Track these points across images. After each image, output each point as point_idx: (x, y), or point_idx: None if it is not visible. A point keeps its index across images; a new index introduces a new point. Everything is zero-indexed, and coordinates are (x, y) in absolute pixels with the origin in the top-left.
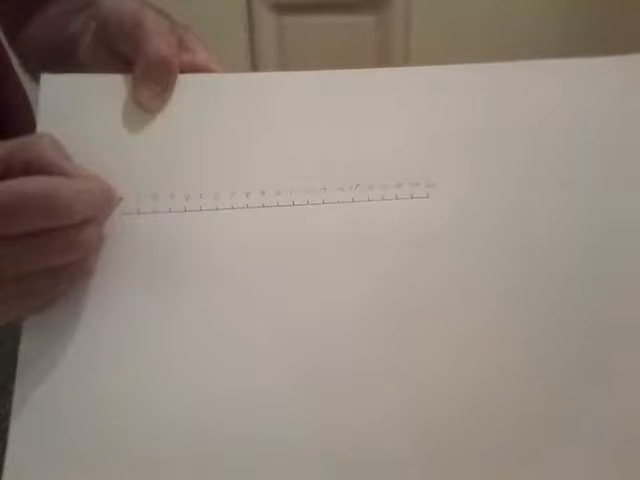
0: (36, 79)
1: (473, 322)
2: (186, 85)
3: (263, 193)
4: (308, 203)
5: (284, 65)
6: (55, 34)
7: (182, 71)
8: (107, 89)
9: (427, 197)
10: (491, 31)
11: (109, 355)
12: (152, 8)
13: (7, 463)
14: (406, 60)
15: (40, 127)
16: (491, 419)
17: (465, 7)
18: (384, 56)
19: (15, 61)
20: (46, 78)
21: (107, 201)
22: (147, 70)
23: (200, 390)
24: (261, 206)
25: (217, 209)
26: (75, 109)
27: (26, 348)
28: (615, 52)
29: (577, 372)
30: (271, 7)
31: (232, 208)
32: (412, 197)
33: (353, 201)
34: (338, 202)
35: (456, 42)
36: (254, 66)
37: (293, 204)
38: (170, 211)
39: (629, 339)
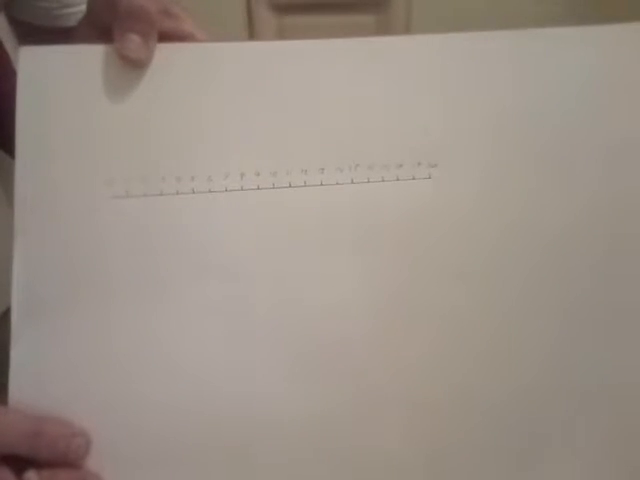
0: None
1: (474, 307)
2: (175, 56)
3: (258, 174)
4: (305, 185)
5: None
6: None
7: (167, 38)
8: (90, 60)
9: (429, 178)
10: (491, 31)
11: (100, 347)
12: None
13: None
14: None
15: (20, 101)
16: (491, 414)
17: (465, 7)
18: None
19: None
20: (25, 50)
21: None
22: (125, 22)
23: (196, 376)
24: (256, 188)
25: (210, 191)
26: (57, 82)
27: (17, 351)
28: None
29: (579, 367)
30: (271, 7)
31: (226, 190)
32: (414, 178)
33: (352, 182)
34: (337, 183)
35: None
36: None
37: (290, 186)
38: (161, 194)
39: (635, 333)
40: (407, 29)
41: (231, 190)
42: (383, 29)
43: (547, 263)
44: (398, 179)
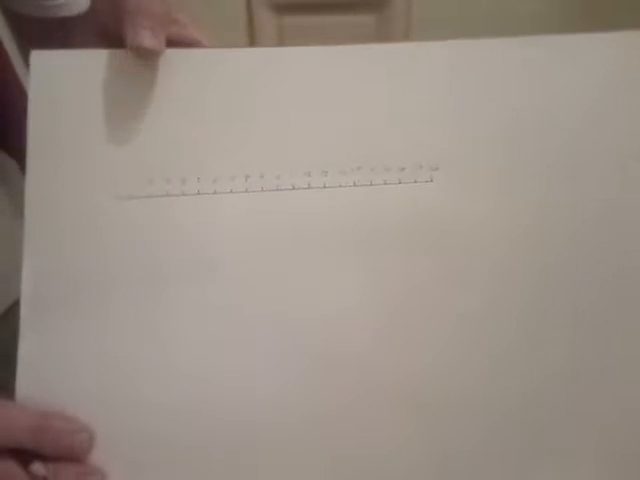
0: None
1: (478, 310)
2: (182, 61)
3: (262, 176)
4: (309, 187)
5: None
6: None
7: (171, 44)
8: (100, 65)
9: (431, 181)
10: (491, 31)
11: (104, 346)
12: None
13: None
14: None
15: (31, 105)
16: (497, 420)
17: (465, 7)
18: None
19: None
20: (36, 54)
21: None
22: (135, 18)
23: (198, 377)
24: (260, 190)
25: (215, 193)
26: (67, 86)
27: (24, 349)
28: None
29: (588, 374)
30: (271, 7)
31: (231, 192)
32: (415, 181)
33: (355, 185)
34: (340, 186)
35: None
36: None
37: (293, 188)
38: (166, 195)
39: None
40: (407, 29)
41: (236, 192)
42: (383, 29)
43: (554, 268)
44: (400, 182)
